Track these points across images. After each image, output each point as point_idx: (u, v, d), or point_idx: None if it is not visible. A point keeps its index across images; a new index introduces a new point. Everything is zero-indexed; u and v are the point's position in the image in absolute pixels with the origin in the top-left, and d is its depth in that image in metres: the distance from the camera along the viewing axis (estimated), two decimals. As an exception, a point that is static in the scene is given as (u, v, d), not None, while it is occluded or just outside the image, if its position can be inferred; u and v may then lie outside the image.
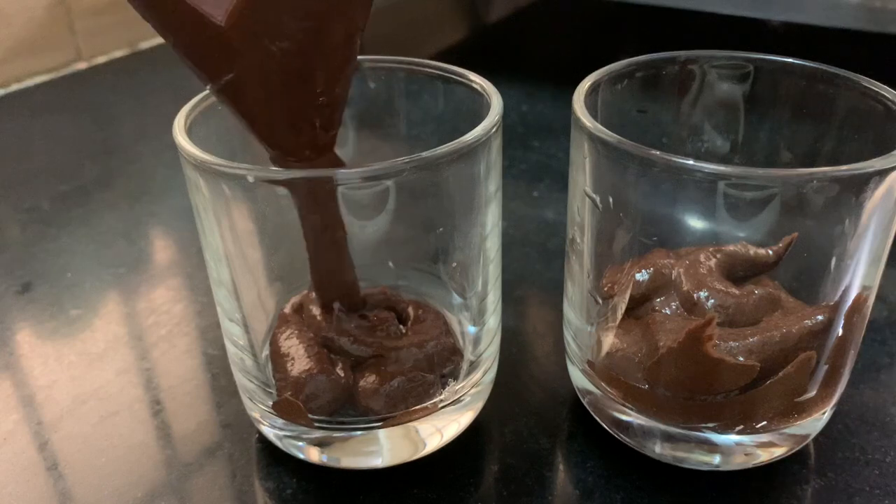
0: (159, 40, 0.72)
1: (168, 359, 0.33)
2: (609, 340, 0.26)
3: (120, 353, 0.33)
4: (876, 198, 0.22)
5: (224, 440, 0.28)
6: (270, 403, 0.26)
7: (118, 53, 0.67)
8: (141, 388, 0.31)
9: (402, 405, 0.25)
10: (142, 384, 0.31)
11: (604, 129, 0.24)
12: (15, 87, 0.61)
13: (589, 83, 0.26)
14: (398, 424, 0.26)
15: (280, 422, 0.26)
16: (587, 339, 0.27)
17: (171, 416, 0.30)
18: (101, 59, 0.66)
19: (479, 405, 0.28)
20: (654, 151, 0.22)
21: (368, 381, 0.25)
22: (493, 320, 0.28)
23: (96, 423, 0.29)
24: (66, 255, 0.40)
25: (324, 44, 0.22)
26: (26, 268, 0.39)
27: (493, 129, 0.24)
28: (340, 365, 0.26)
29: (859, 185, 0.22)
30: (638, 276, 0.26)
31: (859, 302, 0.24)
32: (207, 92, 0.26)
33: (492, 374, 0.29)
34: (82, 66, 0.65)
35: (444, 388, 0.26)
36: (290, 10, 0.21)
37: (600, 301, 0.27)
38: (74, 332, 0.34)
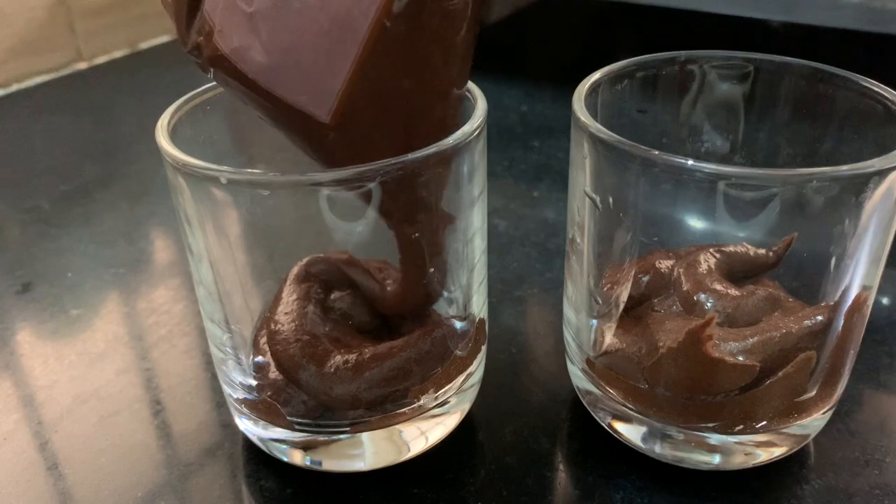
0: (159, 40, 0.73)
1: (168, 359, 0.33)
2: (609, 340, 0.26)
3: (120, 353, 0.33)
4: (876, 198, 0.22)
5: (224, 440, 0.28)
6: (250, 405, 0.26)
7: (118, 53, 0.67)
8: (141, 388, 0.31)
9: (385, 409, 0.25)
10: (142, 384, 0.31)
11: (604, 129, 0.24)
12: (15, 87, 0.61)
13: (589, 83, 0.26)
14: (381, 428, 0.26)
15: (262, 423, 0.26)
16: (587, 338, 0.27)
17: (171, 416, 0.30)
18: (101, 59, 0.66)
19: (466, 407, 0.28)
20: (654, 151, 0.22)
21: (350, 384, 0.25)
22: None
23: (96, 423, 0.29)
24: (66, 255, 0.40)
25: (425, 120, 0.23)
26: (26, 268, 0.39)
27: (476, 133, 0.24)
28: None
29: (859, 185, 0.22)
30: (638, 276, 0.26)
31: (859, 302, 0.24)
32: (193, 93, 0.26)
33: (478, 377, 0.28)
34: (82, 66, 0.65)
35: (429, 391, 0.26)
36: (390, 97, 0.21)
37: (600, 301, 0.27)
38: (74, 332, 0.34)
